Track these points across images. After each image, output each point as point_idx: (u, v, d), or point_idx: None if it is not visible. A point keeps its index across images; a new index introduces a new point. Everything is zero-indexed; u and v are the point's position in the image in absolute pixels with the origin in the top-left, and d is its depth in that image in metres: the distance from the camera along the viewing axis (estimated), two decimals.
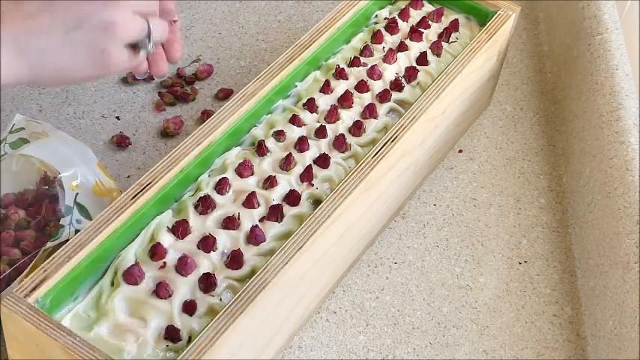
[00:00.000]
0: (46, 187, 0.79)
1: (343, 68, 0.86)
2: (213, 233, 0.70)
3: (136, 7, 0.65)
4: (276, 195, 0.74)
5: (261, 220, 0.72)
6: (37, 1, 0.62)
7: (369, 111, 0.82)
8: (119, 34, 0.63)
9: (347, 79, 0.86)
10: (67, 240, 0.74)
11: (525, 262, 0.87)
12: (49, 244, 0.72)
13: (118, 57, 0.65)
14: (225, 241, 0.70)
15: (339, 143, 0.79)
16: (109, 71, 0.66)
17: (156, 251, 0.68)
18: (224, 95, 0.99)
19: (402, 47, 0.89)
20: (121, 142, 0.92)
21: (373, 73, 0.86)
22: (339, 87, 0.85)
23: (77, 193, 0.76)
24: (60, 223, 0.74)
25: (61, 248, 0.65)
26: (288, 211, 0.73)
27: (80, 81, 0.67)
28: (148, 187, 0.70)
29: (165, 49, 0.78)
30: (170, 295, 0.66)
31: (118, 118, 0.96)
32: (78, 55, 0.63)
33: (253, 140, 0.79)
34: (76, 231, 0.75)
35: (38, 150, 0.77)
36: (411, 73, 0.86)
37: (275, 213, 0.72)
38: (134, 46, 0.66)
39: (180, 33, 0.78)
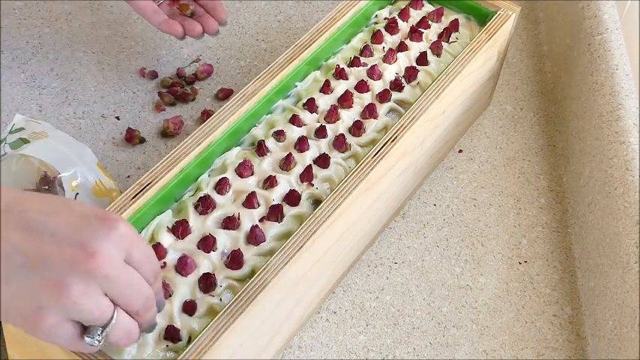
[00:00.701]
0: (46, 187, 0.79)
1: (343, 68, 0.86)
2: (213, 233, 0.70)
3: (110, 287, 0.52)
4: (276, 195, 0.74)
5: (261, 220, 0.72)
6: (20, 216, 0.51)
7: (369, 111, 0.82)
8: (67, 303, 0.50)
9: (347, 79, 0.86)
10: None
11: (525, 262, 0.87)
12: None
13: (54, 329, 0.51)
14: (225, 241, 0.71)
15: (339, 143, 0.79)
16: (38, 336, 0.52)
17: (156, 251, 0.68)
18: (224, 95, 0.99)
19: (402, 47, 0.89)
20: (130, 139, 0.93)
21: (373, 73, 0.86)
22: (339, 87, 0.85)
23: (77, 193, 0.76)
24: None
25: None
26: (288, 211, 0.73)
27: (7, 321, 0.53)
28: (148, 187, 0.70)
29: (210, 12, 0.84)
30: (170, 295, 0.66)
31: (117, 118, 0.96)
32: (13, 299, 0.51)
33: (253, 140, 0.79)
34: None
35: (38, 150, 0.77)
36: (411, 73, 0.87)
37: (275, 213, 0.72)
38: (84, 327, 0.52)
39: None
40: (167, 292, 0.66)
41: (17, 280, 0.50)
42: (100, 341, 0.52)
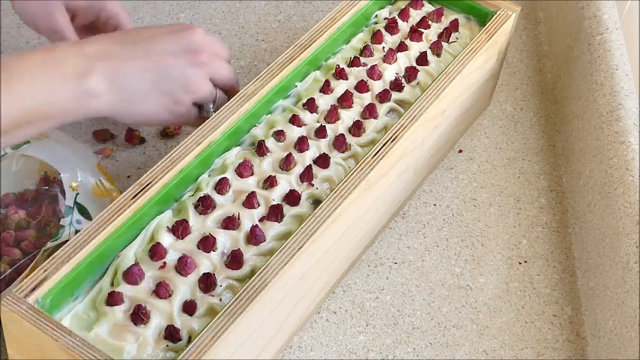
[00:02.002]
0: (46, 187, 0.79)
1: (343, 68, 0.86)
2: (213, 233, 0.70)
3: (212, 72, 0.76)
4: (276, 195, 0.74)
5: (261, 220, 0.72)
6: (136, 46, 0.71)
7: (369, 111, 0.82)
8: (193, 92, 0.74)
9: (347, 79, 0.86)
10: (67, 240, 0.74)
11: (525, 262, 0.87)
12: (50, 245, 0.72)
13: (187, 111, 0.76)
14: (225, 241, 0.71)
15: (339, 143, 0.79)
16: (177, 121, 0.77)
17: (156, 251, 0.68)
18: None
19: (402, 47, 0.89)
20: (130, 139, 0.93)
21: (373, 73, 0.86)
22: (339, 87, 0.85)
23: (77, 194, 0.76)
24: (60, 223, 0.74)
25: (61, 248, 0.65)
26: (288, 211, 0.73)
27: (153, 124, 0.81)
28: (148, 187, 0.70)
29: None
30: (170, 295, 0.66)
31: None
32: (158, 102, 0.73)
33: (253, 140, 0.79)
34: (76, 231, 0.75)
35: (38, 150, 0.77)
36: (411, 73, 0.87)
37: (275, 213, 0.72)
38: (199, 106, 0.77)
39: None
40: (167, 292, 0.66)
41: (159, 90, 0.72)
42: (214, 110, 0.77)
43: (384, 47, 0.90)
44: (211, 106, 0.77)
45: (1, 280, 0.71)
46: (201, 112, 0.78)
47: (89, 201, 0.77)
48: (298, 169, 0.76)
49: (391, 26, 0.91)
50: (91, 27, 0.85)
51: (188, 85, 0.74)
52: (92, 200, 0.77)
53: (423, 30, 0.92)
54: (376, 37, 0.90)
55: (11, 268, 0.72)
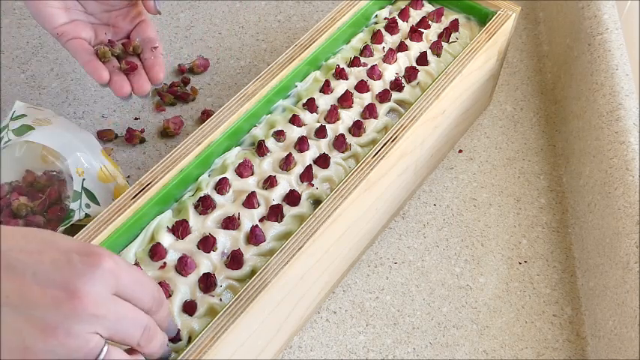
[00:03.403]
0: (53, 172, 0.79)
1: (343, 68, 0.86)
2: (213, 233, 0.70)
3: (111, 328, 0.51)
4: (276, 195, 0.74)
5: (261, 220, 0.72)
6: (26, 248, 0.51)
7: (369, 111, 0.82)
8: (52, 344, 0.50)
9: (347, 79, 0.86)
10: (77, 222, 0.75)
11: (525, 262, 0.87)
12: (60, 229, 0.73)
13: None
14: (225, 241, 0.71)
15: (339, 143, 0.79)
16: None
17: (156, 251, 0.68)
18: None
19: (402, 47, 0.89)
20: (130, 139, 0.93)
21: (373, 73, 0.86)
22: (339, 87, 0.85)
23: (84, 179, 0.76)
24: (70, 207, 0.74)
25: None
26: (288, 211, 0.73)
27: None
28: (148, 187, 0.70)
29: (147, 72, 0.78)
30: (170, 295, 0.66)
31: (117, 118, 0.96)
32: (5, 336, 0.50)
33: (253, 140, 0.79)
34: (86, 215, 0.75)
35: (43, 136, 0.78)
36: (411, 73, 0.87)
37: (275, 213, 0.72)
38: None
39: (161, 58, 0.79)
40: (167, 292, 0.66)
41: (3, 318, 0.49)
42: None
43: (384, 47, 0.90)
44: None
45: None
46: None
47: (95, 186, 0.77)
48: (298, 169, 0.77)
49: (391, 26, 0.91)
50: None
51: (45, 333, 0.50)
52: (98, 185, 0.77)
53: (423, 30, 0.92)
54: (376, 37, 0.90)
55: None
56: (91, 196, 0.77)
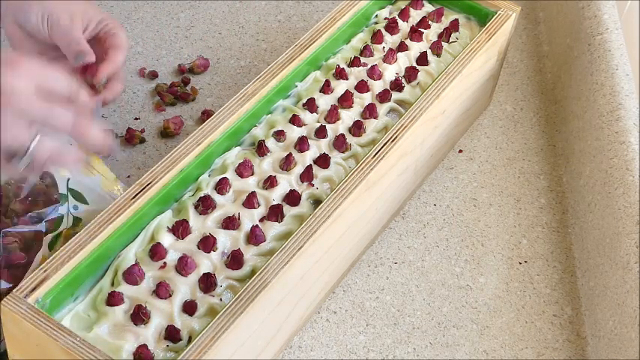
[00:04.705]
0: (40, 178, 0.79)
1: (343, 68, 0.86)
2: (213, 233, 0.70)
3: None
4: (276, 195, 0.74)
5: (261, 220, 0.72)
6: None
7: (369, 111, 0.82)
8: None
9: (347, 79, 0.86)
10: (67, 228, 0.74)
11: (525, 262, 0.87)
12: (50, 236, 0.72)
13: None
14: (226, 241, 0.71)
15: (339, 143, 0.79)
16: None
17: (156, 251, 0.68)
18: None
19: (402, 47, 0.89)
20: (130, 139, 0.93)
21: (373, 73, 0.86)
22: (339, 87, 0.85)
23: (68, 179, 0.76)
24: (59, 212, 0.74)
25: (61, 248, 0.65)
26: (288, 211, 0.73)
27: None
28: (148, 187, 0.70)
29: (107, 84, 0.78)
30: (170, 295, 0.66)
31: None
32: None
33: (253, 140, 0.79)
34: (75, 218, 0.75)
35: None
36: (411, 73, 0.87)
37: (275, 213, 0.72)
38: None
39: (109, 65, 0.77)
40: (167, 292, 0.66)
41: None
42: (21, 165, 0.59)
43: (384, 47, 0.90)
44: (19, 158, 0.59)
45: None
46: (12, 163, 0.60)
47: (81, 184, 0.77)
48: (298, 169, 0.76)
49: (391, 26, 0.91)
50: (93, 40, 0.84)
51: None
52: (83, 182, 0.77)
53: (423, 30, 0.92)
54: (376, 37, 0.90)
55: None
56: (78, 196, 0.76)
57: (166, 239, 0.70)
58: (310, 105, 0.82)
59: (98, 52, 0.79)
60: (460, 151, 0.98)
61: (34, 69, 0.58)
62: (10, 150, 0.58)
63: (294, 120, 0.80)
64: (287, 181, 0.75)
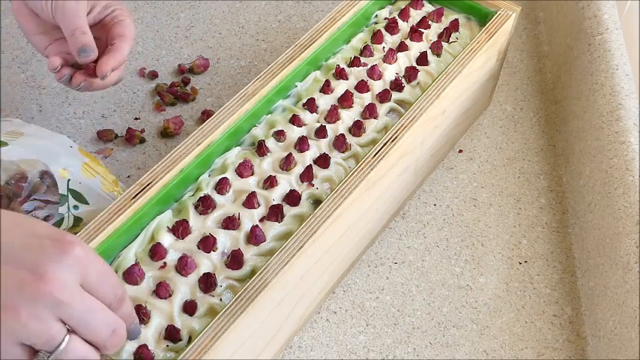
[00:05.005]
0: (40, 179, 0.79)
1: (343, 68, 0.86)
2: (213, 233, 0.70)
3: (63, 314, 0.50)
4: (276, 195, 0.74)
5: (261, 220, 0.72)
6: None
7: (369, 111, 0.82)
8: (16, 326, 0.48)
9: (347, 79, 0.86)
10: (68, 228, 0.74)
11: (525, 262, 0.87)
12: None
13: (4, 349, 0.49)
14: (226, 241, 0.71)
15: (339, 143, 0.79)
16: None
17: (156, 251, 0.68)
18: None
19: (402, 47, 0.89)
20: (130, 139, 0.93)
21: (373, 73, 0.86)
22: (339, 87, 0.85)
23: (69, 180, 0.76)
24: (59, 212, 0.74)
25: None
26: (288, 211, 0.73)
27: None
28: (148, 187, 0.70)
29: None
30: (170, 295, 0.66)
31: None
32: None
33: (253, 140, 0.79)
34: (76, 218, 0.75)
35: (19, 151, 0.77)
36: (411, 73, 0.87)
37: (275, 213, 0.72)
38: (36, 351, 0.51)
39: (116, 56, 0.76)
40: (167, 292, 0.66)
41: None
42: None
43: (384, 47, 0.90)
44: (46, 357, 0.50)
45: None
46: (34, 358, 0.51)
47: (81, 185, 0.77)
48: (298, 169, 0.77)
49: (391, 26, 0.91)
50: (99, 25, 0.82)
51: (8, 314, 0.48)
52: (84, 183, 0.77)
53: (423, 30, 0.92)
54: (376, 37, 0.90)
55: None
56: (78, 196, 0.77)
57: (166, 239, 0.70)
58: (310, 105, 0.82)
59: (102, 39, 0.78)
60: (460, 151, 0.98)
61: (85, 258, 0.51)
62: (36, 344, 0.50)
63: (294, 120, 0.80)
64: (287, 181, 0.75)
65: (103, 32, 0.78)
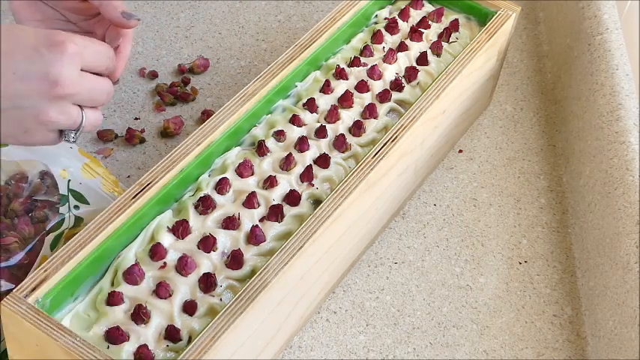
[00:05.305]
0: (40, 180, 0.79)
1: (343, 68, 0.86)
2: (213, 233, 0.70)
3: (77, 101, 0.63)
4: (276, 195, 0.74)
5: (261, 220, 0.72)
6: None
7: (369, 111, 0.82)
8: (47, 123, 0.63)
9: (347, 79, 0.86)
10: (69, 228, 0.74)
11: (525, 262, 0.87)
12: (52, 235, 0.72)
13: (41, 139, 0.64)
14: (226, 241, 0.71)
15: (339, 143, 0.79)
16: (30, 145, 0.66)
17: (156, 251, 0.68)
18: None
19: (402, 47, 0.89)
20: (130, 139, 0.93)
21: (373, 73, 0.86)
22: (339, 87, 0.85)
23: (69, 180, 0.76)
24: (60, 212, 0.74)
25: (62, 248, 0.65)
26: (288, 211, 0.73)
27: (5, 142, 0.67)
28: (148, 187, 0.70)
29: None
30: (170, 295, 0.66)
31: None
32: (6, 126, 0.62)
33: (253, 140, 0.79)
34: (76, 218, 0.75)
35: (19, 151, 0.77)
36: (411, 73, 0.87)
37: (275, 213, 0.72)
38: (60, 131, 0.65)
39: (123, 60, 0.75)
40: (167, 292, 0.66)
41: (7, 115, 0.61)
42: (75, 139, 0.65)
43: (384, 47, 0.90)
44: (72, 134, 0.65)
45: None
46: (62, 138, 0.66)
47: (82, 185, 0.77)
48: (298, 169, 0.76)
49: (391, 26, 0.91)
50: (96, 18, 0.80)
51: (41, 117, 0.62)
52: (84, 183, 0.77)
53: (423, 30, 0.92)
54: (376, 37, 0.90)
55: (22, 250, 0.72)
56: (79, 196, 0.77)
57: (166, 239, 0.70)
58: (310, 105, 0.82)
59: (98, 35, 0.76)
60: (460, 151, 0.98)
61: (78, 48, 0.61)
62: (64, 128, 0.64)
63: (294, 120, 0.80)
64: (287, 181, 0.75)
65: (100, 27, 0.77)
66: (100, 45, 0.65)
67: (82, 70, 0.62)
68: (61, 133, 0.65)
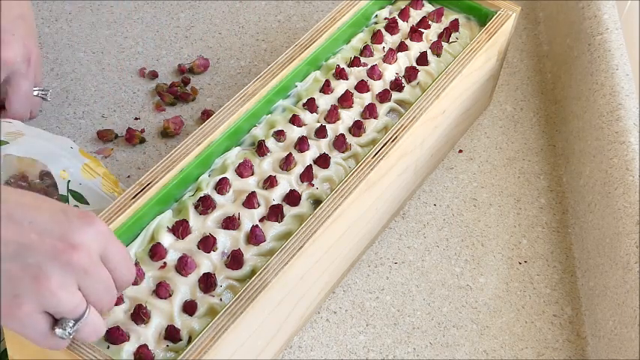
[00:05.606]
0: (24, 183, 0.79)
1: (343, 68, 0.86)
2: (213, 233, 0.70)
3: (85, 285, 0.52)
4: (276, 195, 0.74)
5: (261, 220, 0.72)
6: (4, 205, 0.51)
7: (369, 111, 0.82)
8: (45, 292, 0.50)
9: (347, 79, 0.86)
10: None
11: (525, 262, 0.87)
12: None
13: (27, 318, 0.51)
14: (225, 241, 0.71)
15: (339, 143, 0.79)
16: (11, 325, 0.52)
17: (156, 251, 0.68)
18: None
19: (402, 47, 0.89)
20: (130, 139, 0.93)
21: (373, 73, 0.86)
22: (339, 87, 0.85)
23: (69, 181, 0.76)
24: None
25: None
26: (288, 211, 0.73)
27: None
28: (148, 187, 0.70)
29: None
30: (170, 295, 0.66)
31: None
32: None
33: (253, 140, 0.79)
34: None
35: (19, 149, 0.77)
36: (411, 73, 0.87)
37: (275, 213, 0.72)
38: (56, 321, 0.53)
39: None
40: (167, 292, 0.66)
41: (3, 258, 0.50)
42: (70, 334, 0.53)
43: (384, 47, 0.90)
44: (70, 325, 0.53)
45: None
46: (54, 328, 0.53)
47: (82, 186, 0.77)
48: (298, 169, 0.77)
49: (391, 26, 0.91)
50: None
51: (39, 280, 0.50)
52: (84, 184, 0.77)
53: (423, 30, 0.92)
54: (376, 37, 0.90)
55: None
56: (79, 197, 0.77)
57: (166, 239, 0.70)
58: (310, 105, 0.82)
59: None
60: (460, 151, 0.98)
61: (108, 234, 0.54)
62: (61, 312, 0.52)
63: (294, 120, 0.80)
64: (287, 181, 0.75)
65: None
66: (129, 257, 0.58)
67: (100, 258, 0.54)
68: (55, 323, 0.53)
